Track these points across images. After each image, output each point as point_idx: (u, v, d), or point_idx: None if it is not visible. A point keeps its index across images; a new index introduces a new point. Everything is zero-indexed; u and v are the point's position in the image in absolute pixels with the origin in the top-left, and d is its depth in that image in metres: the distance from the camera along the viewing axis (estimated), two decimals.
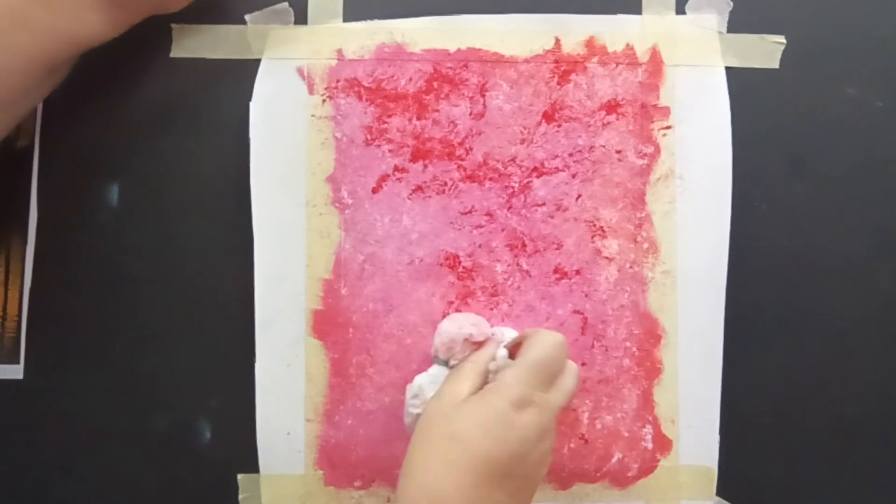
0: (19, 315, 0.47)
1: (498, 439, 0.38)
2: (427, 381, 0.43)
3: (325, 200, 0.47)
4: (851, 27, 0.49)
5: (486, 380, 0.42)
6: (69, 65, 0.46)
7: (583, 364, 0.47)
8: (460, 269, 0.47)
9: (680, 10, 0.49)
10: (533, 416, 0.39)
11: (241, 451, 0.46)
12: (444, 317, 0.47)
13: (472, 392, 0.41)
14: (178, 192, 0.48)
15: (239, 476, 0.46)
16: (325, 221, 0.47)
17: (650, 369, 0.47)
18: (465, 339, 0.43)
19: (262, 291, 0.46)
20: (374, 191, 0.47)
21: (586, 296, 0.47)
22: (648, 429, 0.47)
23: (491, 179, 0.48)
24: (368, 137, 0.48)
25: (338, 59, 0.48)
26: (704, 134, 0.48)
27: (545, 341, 0.41)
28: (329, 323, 0.47)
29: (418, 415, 0.42)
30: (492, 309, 0.47)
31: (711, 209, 0.47)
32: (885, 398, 0.48)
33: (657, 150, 0.48)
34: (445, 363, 0.44)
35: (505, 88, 0.48)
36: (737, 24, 0.49)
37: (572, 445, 0.47)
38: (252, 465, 0.46)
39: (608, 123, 0.48)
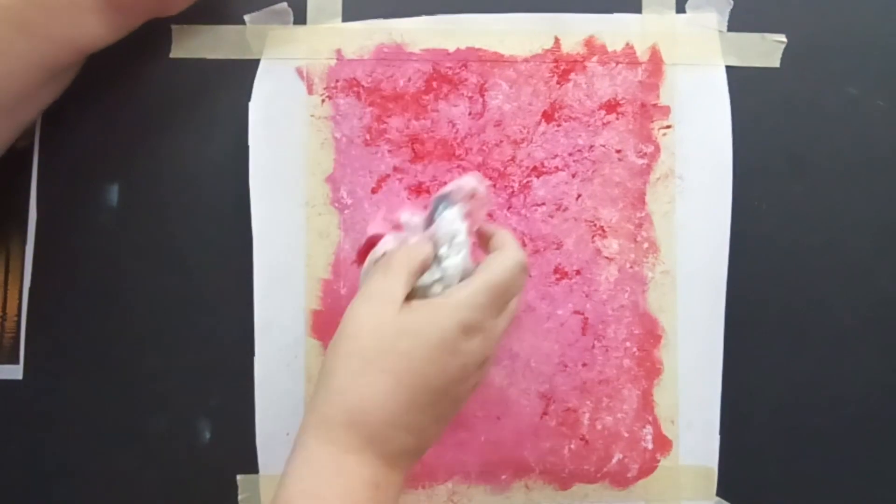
0: (19, 315, 0.47)
1: (440, 364, 0.36)
2: (395, 247, 0.39)
3: (325, 200, 0.47)
4: (852, 26, 0.49)
5: (416, 279, 0.38)
6: (73, 71, 0.46)
7: (583, 365, 0.47)
8: None
9: (680, 8, 0.48)
10: (479, 344, 0.37)
11: (240, 452, 0.46)
12: None
13: (405, 293, 0.37)
14: (178, 192, 0.48)
15: (238, 477, 0.46)
16: (324, 221, 0.47)
17: (650, 369, 0.47)
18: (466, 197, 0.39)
19: (262, 292, 0.46)
20: (374, 191, 0.47)
21: (586, 296, 0.47)
22: (648, 429, 0.47)
23: (490, 179, 0.48)
24: (368, 137, 0.47)
25: (337, 59, 0.48)
26: (704, 133, 0.48)
27: (510, 263, 0.38)
28: (328, 323, 0.47)
29: None
30: None
31: (711, 209, 0.47)
32: (885, 398, 0.48)
33: (657, 149, 0.48)
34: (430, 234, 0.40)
35: (504, 88, 0.48)
36: (737, 22, 0.48)
37: (573, 446, 0.47)
38: (251, 466, 0.46)
39: (608, 123, 0.48)
